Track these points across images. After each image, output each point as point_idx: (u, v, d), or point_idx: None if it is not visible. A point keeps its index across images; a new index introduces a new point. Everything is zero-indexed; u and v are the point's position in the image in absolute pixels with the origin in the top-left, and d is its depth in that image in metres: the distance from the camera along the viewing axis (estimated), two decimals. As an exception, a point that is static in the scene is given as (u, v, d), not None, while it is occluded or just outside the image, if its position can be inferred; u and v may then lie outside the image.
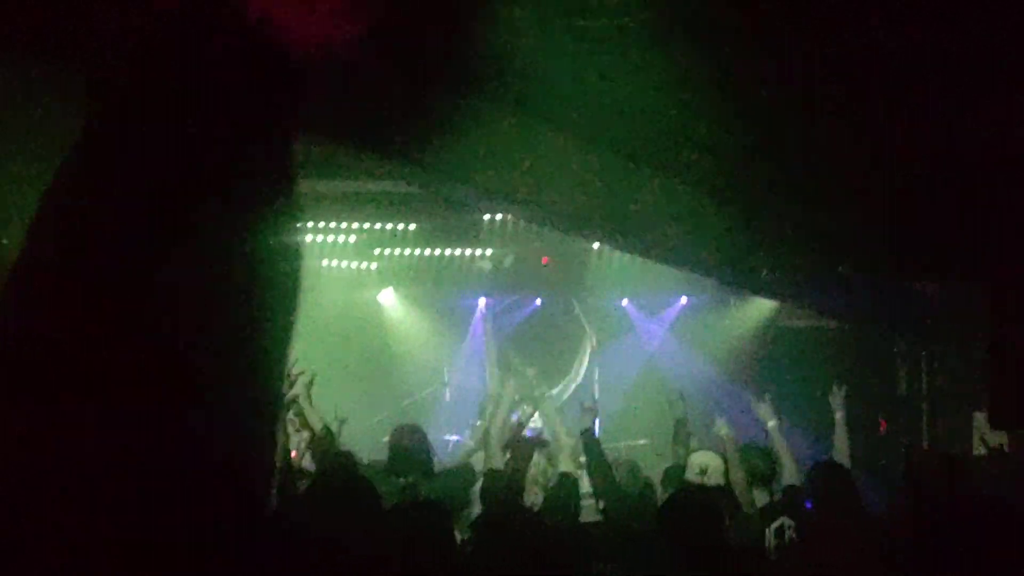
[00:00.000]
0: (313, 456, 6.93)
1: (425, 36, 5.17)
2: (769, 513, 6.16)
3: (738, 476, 6.32)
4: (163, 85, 1.10)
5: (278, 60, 1.14)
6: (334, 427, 7.23)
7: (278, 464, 6.09)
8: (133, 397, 1.04)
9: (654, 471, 7.80)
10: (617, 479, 6.83)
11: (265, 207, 1.10)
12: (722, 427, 6.89)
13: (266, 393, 1.13)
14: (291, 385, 6.51)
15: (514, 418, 7.48)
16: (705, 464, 6.49)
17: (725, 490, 6.20)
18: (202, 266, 1.07)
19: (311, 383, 7.23)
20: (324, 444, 6.74)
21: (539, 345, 13.83)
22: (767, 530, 5.94)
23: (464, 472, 6.89)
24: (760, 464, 6.62)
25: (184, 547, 1.05)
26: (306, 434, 7.13)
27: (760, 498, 6.41)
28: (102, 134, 1.09)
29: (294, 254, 1.12)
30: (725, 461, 6.49)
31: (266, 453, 1.17)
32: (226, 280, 1.08)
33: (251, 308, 1.09)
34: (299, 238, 1.13)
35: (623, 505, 6.13)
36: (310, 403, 7.21)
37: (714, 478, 6.38)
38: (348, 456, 6.80)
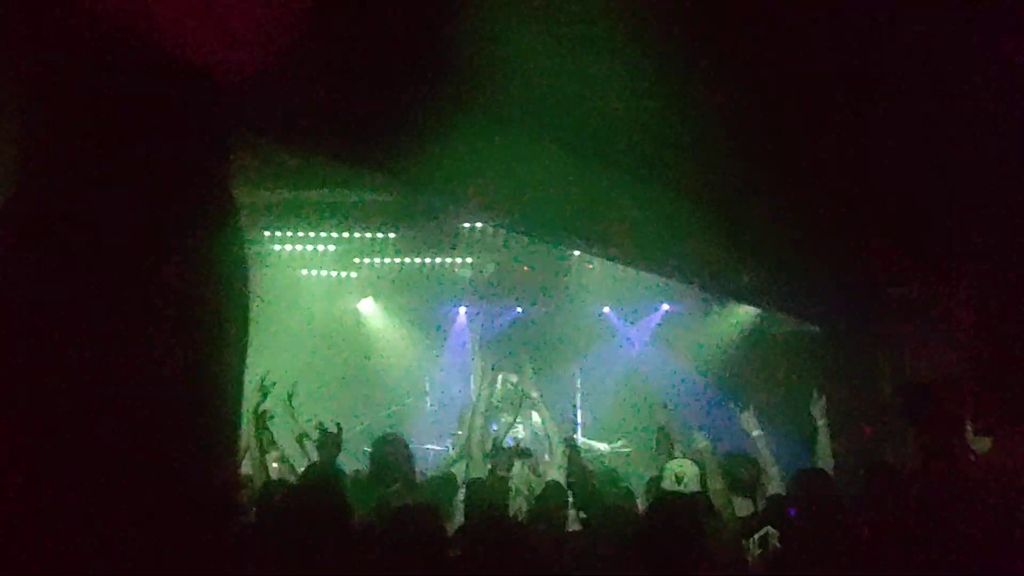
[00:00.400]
0: (321, 456, 6.82)
1: (403, 47, 5.13)
2: (752, 522, 6.13)
3: (717, 485, 6.29)
4: (96, 109, 1.08)
5: (207, 81, 1.11)
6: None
7: (255, 475, 6.04)
8: (86, 410, 1.00)
9: (635, 479, 7.75)
10: (597, 487, 6.79)
11: (209, 223, 1.07)
12: (700, 439, 6.84)
13: (223, 404, 1.09)
14: (264, 396, 6.44)
15: (492, 428, 7.43)
16: (681, 472, 6.46)
17: (703, 498, 6.16)
18: (153, 281, 1.03)
19: (292, 393, 7.18)
20: (333, 442, 6.59)
21: (520, 354, 13.74)
22: (751, 540, 5.90)
23: (446, 482, 6.84)
24: (743, 472, 6.59)
25: (144, 554, 1.02)
26: (275, 452, 7.04)
27: (743, 507, 6.37)
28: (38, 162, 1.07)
29: (243, 266, 1.08)
30: (702, 469, 6.46)
31: (225, 462, 1.14)
32: (178, 294, 1.04)
33: (202, 322, 1.05)
34: (247, 250, 1.09)
35: (603, 514, 6.08)
36: (293, 413, 7.15)
37: (691, 486, 6.35)
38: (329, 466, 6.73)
